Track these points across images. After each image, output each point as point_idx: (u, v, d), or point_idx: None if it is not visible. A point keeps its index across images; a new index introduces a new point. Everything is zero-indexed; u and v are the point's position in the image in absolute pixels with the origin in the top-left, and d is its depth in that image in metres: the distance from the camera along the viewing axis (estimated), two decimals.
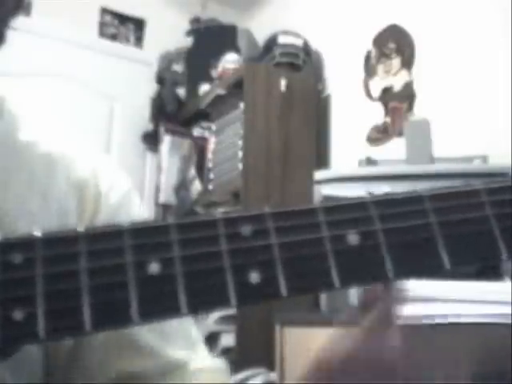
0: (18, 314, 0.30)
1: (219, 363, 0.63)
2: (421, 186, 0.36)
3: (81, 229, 0.32)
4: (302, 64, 2.75)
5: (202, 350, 0.63)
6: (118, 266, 0.31)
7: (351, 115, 2.64)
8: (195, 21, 3.28)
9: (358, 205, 0.34)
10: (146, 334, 0.59)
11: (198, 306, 0.32)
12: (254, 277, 0.32)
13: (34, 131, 0.65)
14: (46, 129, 0.67)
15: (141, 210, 0.67)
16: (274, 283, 0.32)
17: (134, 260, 0.32)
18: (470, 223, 0.34)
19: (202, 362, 0.62)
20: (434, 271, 0.33)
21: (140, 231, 0.33)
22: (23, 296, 0.30)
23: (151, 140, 3.22)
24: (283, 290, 0.32)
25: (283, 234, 0.33)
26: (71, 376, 0.58)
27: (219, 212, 0.34)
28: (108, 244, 0.32)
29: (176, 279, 0.32)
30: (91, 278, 0.31)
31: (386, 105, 2.51)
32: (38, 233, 0.32)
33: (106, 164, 0.68)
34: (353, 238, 0.33)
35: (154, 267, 0.32)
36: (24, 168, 0.61)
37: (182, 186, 3.03)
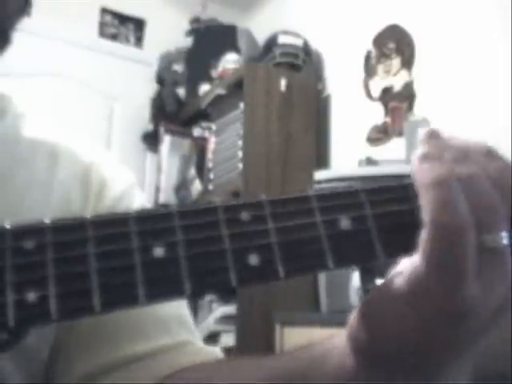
0: (31, 296, 0.31)
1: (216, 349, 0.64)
2: None
3: (88, 216, 0.34)
4: (302, 64, 2.75)
5: (198, 337, 0.64)
6: (125, 250, 0.33)
7: (351, 115, 2.64)
8: (195, 21, 3.28)
9: (349, 192, 0.36)
10: (153, 316, 0.59)
11: (201, 287, 0.34)
12: (254, 259, 0.34)
13: (37, 129, 0.65)
14: (47, 127, 0.67)
15: (144, 203, 0.68)
16: (272, 265, 0.34)
17: (139, 244, 0.33)
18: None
19: (204, 345, 0.63)
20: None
21: (145, 218, 0.34)
22: (36, 279, 0.32)
23: (151, 140, 3.22)
24: (281, 272, 0.34)
25: (280, 219, 0.35)
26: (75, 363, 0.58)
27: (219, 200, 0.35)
28: (115, 230, 0.33)
29: (180, 262, 0.33)
30: (99, 262, 0.32)
31: (385, 105, 2.51)
32: (47, 220, 0.33)
33: (109, 155, 0.69)
34: (344, 223, 0.35)
35: (158, 251, 0.33)
36: (26, 164, 0.61)
37: (181, 186, 3.03)
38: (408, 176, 0.36)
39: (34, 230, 0.33)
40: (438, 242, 0.33)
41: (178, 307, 0.62)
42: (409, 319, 0.34)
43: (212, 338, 2.40)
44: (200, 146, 2.98)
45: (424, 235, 0.33)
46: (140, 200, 0.67)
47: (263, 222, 0.35)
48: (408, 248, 0.35)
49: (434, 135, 0.38)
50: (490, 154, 0.36)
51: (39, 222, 0.33)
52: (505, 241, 0.34)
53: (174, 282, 0.33)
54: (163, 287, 0.33)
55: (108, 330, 0.58)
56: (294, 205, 0.36)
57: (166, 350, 0.58)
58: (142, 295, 0.32)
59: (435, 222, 0.33)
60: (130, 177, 0.68)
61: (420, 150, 0.37)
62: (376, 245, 0.35)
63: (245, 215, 0.35)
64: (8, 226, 0.33)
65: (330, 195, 0.36)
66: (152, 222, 0.34)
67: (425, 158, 0.36)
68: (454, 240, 0.33)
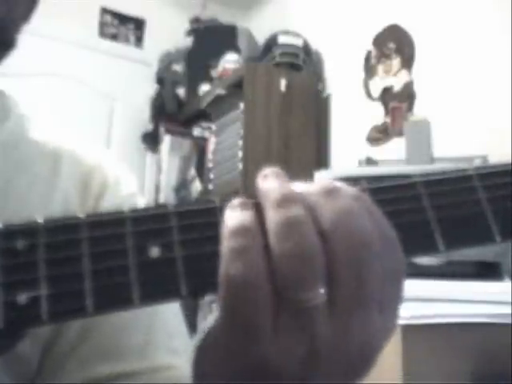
0: (22, 298, 0.30)
1: None
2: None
3: (82, 215, 0.33)
4: (302, 64, 2.75)
5: (185, 361, 0.59)
6: (119, 250, 0.32)
7: (351, 115, 2.64)
8: (195, 21, 3.28)
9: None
10: (130, 339, 0.57)
11: (197, 288, 0.33)
12: None
13: (40, 131, 0.65)
14: (51, 128, 0.66)
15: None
16: None
17: (134, 244, 0.32)
18: (462, 207, 0.34)
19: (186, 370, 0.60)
20: (428, 253, 0.34)
21: (140, 217, 0.33)
22: (27, 280, 0.31)
23: (151, 140, 3.22)
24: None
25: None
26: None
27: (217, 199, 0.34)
28: (109, 230, 0.32)
29: (175, 263, 0.32)
30: (93, 263, 0.31)
31: (386, 105, 2.51)
32: (40, 219, 0.32)
33: (113, 160, 0.68)
34: None
35: (154, 251, 0.32)
36: (28, 169, 0.61)
37: (181, 186, 3.03)
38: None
39: (26, 230, 0.32)
40: (227, 297, 0.30)
41: (167, 327, 0.59)
42: (220, 372, 0.32)
43: None
44: (200, 146, 2.98)
45: (219, 289, 0.31)
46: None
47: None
48: (415, 248, 0.34)
49: (271, 175, 0.33)
50: (331, 193, 0.31)
51: (31, 222, 0.32)
52: (315, 301, 0.29)
53: (169, 283, 0.32)
54: (158, 288, 0.32)
55: (83, 350, 0.56)
56: None
57: (133, 374, 0.56)
58: (137, 297, 0.31)
59: (223, 276, 0.30)
60: (132, 183, 0.67)
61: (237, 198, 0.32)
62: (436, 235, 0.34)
63: None
64: (0, 225, 0.32)
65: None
66: (148, 222, 0.33)
67: (236, 205, 0.32)
68: (243, 296, 0.29)
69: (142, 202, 0.67)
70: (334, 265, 0.30)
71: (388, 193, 0.35)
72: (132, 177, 0.68)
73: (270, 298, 0.30)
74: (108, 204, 0.62)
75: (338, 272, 0.30)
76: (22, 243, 0.31)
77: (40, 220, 0.32)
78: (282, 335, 0.30)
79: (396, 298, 0.32)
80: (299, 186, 0.32)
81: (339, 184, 0.32)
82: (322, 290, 0.30)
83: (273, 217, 0.30)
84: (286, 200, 0.31)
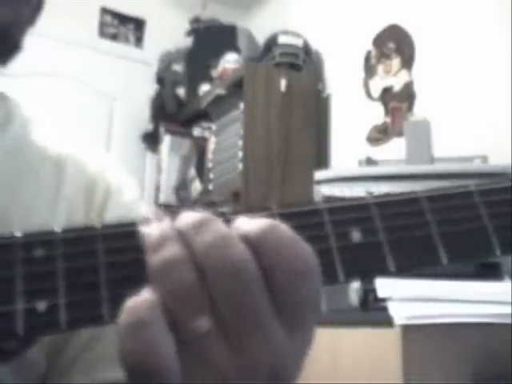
0: (41, 306, 0.31)
1: None
2: (421, 186, 0.37)
3: (99, 225, 0.34)
4: (302, 64, 2.75)
5: None
6: (134, 260, 0.33)
7: (351, 115, 2.64)
8: (195, 21, 3.28)
9: (360, 205, 0.36)
10: None
11: None
12: None
13: (44, 135, 0.65)
14: (54, 132, 0.66)
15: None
16: None
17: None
18: (464, 222, 0.36)
19: None
20: (431, 266, 0.35)
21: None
22: (46, 288, 0.32)
23: (151, 140, 3.22)
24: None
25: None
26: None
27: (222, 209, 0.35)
28: (124, 242, 0.33)
29: None
30: (109, 272, 0.33)
31: (386, 105, 2.51)
32: (58, 229, 0.33)
33: (115, 165, 0.69)
34: (356, 236, 0.35)
35: None
36: (33, 174, 0.61)
37: (181, 186, 3.03)
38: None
39: (45, 239, 0.33)
40: (123, 334, 0.30)
41: None
42: None
43: None
44: (200, 146, 2.98)
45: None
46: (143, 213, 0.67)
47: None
48: (419, 261, 0.35)
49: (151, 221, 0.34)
50: (199, 225, 0.32)
51: (50, 231, 0.33)
52: (202, 328, 0.31)
53: None
54: None
55: (91, 355, 0.57)
56: (305, 218, 0.36)
57: None
58: None
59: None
60: (134, 189, 0.68)
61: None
62: (388, 258, 0.35)
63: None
64: (19, 235, 0.33)
65: (340, 208, 0.36)
66: None
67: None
68: (136, 333, 0.30)
69: (144, 207, 0.67)
70: (212, 295, 0.31)
71: (393, 208, 0.36)
72: (133, 181, 0.69)
73: (167, 333, 0.31)
74: (112, 211, 0.63)
75: (217, 301, 0.31)
76: (41, 252, 0.32)
77: (58, 229, 0.33)
78: (191, 371, 0.31)
79: (305, 315, 0.33)
80: (176, 223, 0.33)
81: (210, 216, 0.33)
82: (207, 318, 0.31)
83: (151, 260, 0.32)
84: (161, 242, 0.32)
